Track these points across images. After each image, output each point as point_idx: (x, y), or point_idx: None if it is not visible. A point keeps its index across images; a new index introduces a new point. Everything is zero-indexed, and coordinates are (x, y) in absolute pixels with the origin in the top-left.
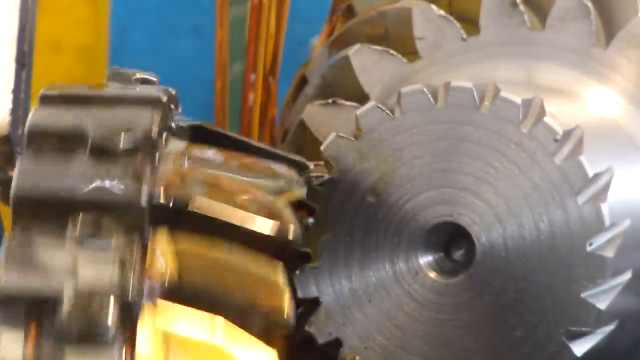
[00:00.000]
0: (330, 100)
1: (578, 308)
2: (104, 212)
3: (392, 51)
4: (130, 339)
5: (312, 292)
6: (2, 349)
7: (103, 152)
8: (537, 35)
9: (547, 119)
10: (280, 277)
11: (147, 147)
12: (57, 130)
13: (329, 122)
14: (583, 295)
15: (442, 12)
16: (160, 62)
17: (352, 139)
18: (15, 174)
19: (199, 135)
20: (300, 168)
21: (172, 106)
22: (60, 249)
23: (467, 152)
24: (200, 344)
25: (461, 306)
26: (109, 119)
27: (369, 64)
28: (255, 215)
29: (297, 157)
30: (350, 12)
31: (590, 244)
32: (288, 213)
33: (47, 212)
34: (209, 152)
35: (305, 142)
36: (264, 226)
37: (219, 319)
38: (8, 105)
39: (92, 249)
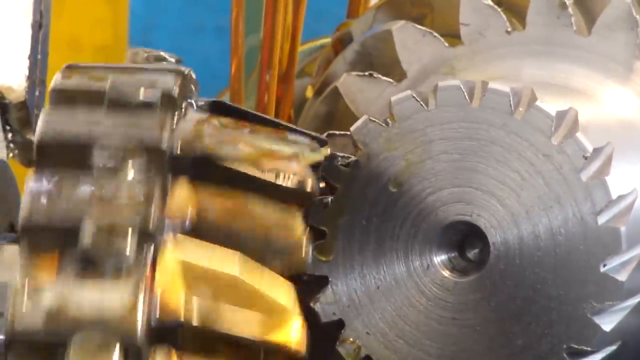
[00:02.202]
0: (367, 73)
1: (583, 326)
2: (125, 156)
3: (435, 33)
4: (150, 269)
5: (323, 270)
6: (25, 277)
7: (124, 104)
8: (582, 39)
9: (578, 135)
10: (298, 220)
11: (167, 102)
12: (79, 91)
13: (364, 94)
14: (590, 315)
15: (490, 2)
16: (183, 62)
17: (383, 124)
18: (39, 122)
19: (217, 111)
20: (318, 143)
21: (192, 86)
22: (83, 184)
23: (495, 156)
24: (219, 274)
25: (468, 306)
26: (131, 79)
27: (410, 42)
28: (275, 167)
29: (315, 134)
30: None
31: (604, 265)
32: (306, 168)
33: (69, 154)
34: (228, 121)
35: (337, 109)
36: (283, 176)
37: (238, 254)
38: (24, 71)
39: (115, 183)
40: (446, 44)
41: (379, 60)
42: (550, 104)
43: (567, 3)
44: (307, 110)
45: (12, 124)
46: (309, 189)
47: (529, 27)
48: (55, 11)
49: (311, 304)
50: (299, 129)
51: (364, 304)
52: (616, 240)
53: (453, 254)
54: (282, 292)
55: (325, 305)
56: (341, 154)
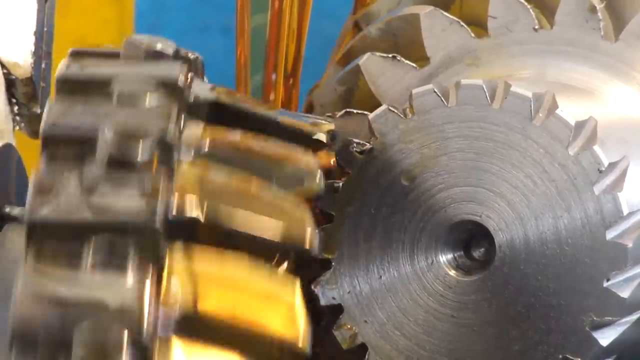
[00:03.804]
0: (390, 55)
1: (581, 339)
2: (144, 88)
3: (462, 23)
4: (167, 172)
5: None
6: (45, 179)
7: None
8: (608, 45)
9: (595, 148)
10: (310, 154)
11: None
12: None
13: (385, 76)
14: (589, 328)
15: None
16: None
17: (402, 115)
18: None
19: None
20: (331, 138)
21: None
22: (103, 105)
23: (510, 159)
24: (236, 186)
25: (468, 306)
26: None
27: (437, 29)
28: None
29: (323, 118)
30: (365, 19)
31: (608, 280)
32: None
33: (89, 87)
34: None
35: (357, 86)
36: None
37: (254, 176)
38: (30, 47)
39: (135, 106)
40: (472, 35)
41: (403, 41)
42: (569, 108)
43: (598, 7)
44: (327, 78)
45: (18, 98)
46: (323, 139)
47: (556, 26)
48: (62, 11)
49: (312, 286)
50: (305, 115)
51: (365, 292)
52: (622, 257)
53: (458, 252)
54: (298, 205)
55: (327, 288)
56: (357, 140)
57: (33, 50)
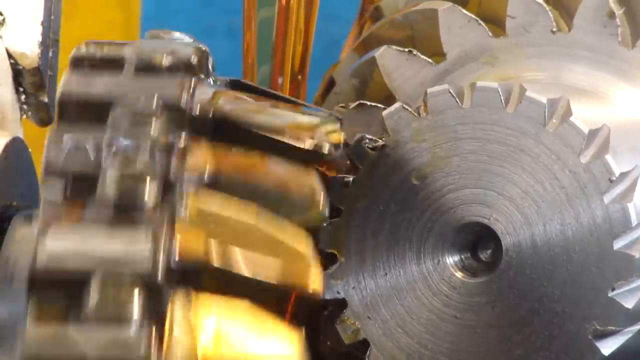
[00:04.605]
0: (406, 50)
1: (583, 347)
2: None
3: (480, 21)
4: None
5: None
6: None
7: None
8: (625, 51)
9: (607, 157)
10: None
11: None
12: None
13: (400, 70)
14: (591, 336)
15: None
16: None
17: (415, 114)
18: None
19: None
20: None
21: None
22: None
23: (522, 164)
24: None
25: (471, 308)
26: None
27: (455, 25)
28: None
29: (330, 112)
30: (377, 13)
31: (613, 289)
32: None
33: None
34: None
35: (371, 78)
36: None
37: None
38: (37, 37)
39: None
40: (490, 34)
41: (419, 35)
42: (583, 113)
43: (616, 13)
44: (343, 65)
45: (25, 87)
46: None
47: (574, 30)
48: (68, 14)
49: None
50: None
51: (370, 288)
52: (629, 267)
53: (465, 254)
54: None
55: (332, 282)
56: (369, 136)
57: (40, 40)
